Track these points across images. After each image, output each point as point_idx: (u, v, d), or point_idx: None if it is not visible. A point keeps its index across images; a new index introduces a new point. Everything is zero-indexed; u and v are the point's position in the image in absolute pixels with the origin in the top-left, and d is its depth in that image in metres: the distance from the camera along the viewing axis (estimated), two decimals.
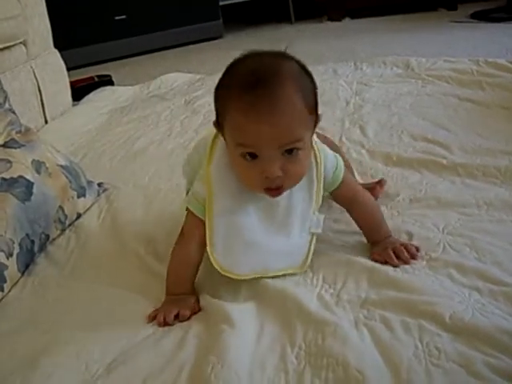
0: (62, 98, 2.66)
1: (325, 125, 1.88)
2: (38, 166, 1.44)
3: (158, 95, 2.60)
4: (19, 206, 1.31)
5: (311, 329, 0.96)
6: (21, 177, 1.36)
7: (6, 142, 1.44)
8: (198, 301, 1.10)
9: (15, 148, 1.44)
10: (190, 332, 1.02)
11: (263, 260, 1.12)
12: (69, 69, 2.79)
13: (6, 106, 1.55)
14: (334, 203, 1.27)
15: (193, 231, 1.13)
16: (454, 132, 1.69)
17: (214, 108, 1.07)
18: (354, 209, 1.21)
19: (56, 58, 2.67)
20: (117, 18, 4.00)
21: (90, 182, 1.60)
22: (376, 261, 1.12)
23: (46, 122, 2.48)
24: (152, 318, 1.07)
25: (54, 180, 1.46)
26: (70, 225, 1.48)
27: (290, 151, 1.00)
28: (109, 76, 3.17)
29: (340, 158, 1.19)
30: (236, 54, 1.04)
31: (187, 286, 1.13)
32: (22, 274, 1.29)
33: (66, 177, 1.50)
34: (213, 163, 1.11)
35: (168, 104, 2.41)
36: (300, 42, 3.84)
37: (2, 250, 1.22)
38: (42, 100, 2.47)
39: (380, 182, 1.42)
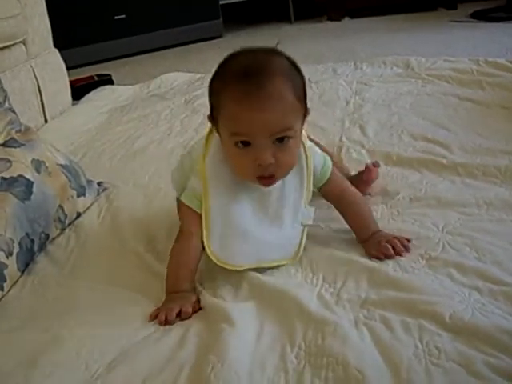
0: (62, 97, 2.66)
1: (325, 124, 1.89)
2: (38, 165, 1.44)
3: (158, 94, 2.60)
4: (19, 206, 1.31)
5: (311, 328, 0.96)
6: (20, 176, 1.36)
7: (5, 142, 1.44)
8: (198, 300, 1.10)
9: (15, 147, 1.44)
10: (189, 331, 1.02)
11: (257, 251, 1.15)
12: (68, 68, 2.79)
13: (6, 105, 1.55)
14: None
15: (192, 226, 1.16)
16: (454, 132, 1.69)
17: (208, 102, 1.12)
18: (343, 205, 1.25)
19: (56, 58, 2.67)
20: (116, 17, 4.00)
21: (89, 182, 1.60)
22: (373, 256, 1.14)
23: (46, 121, 2.48)
24: (154, 317, 1.07)
25: (54, 179, 1.45)
26: (69, 224, 1.48)
27: (280, 140, 1.05)
28: (109, 75, 3.17)
29: (328, 158, 1.24)
30: None
31: (188, 283, 1.13)
32: (22, 273, 1.29)
33: (66, 176, 1.49)
34: (208, 158, 1.15)
35: (168, 103, 2.41)
36: (300, 41, 3.84)
37: (2, 249, 1.22)
38: (41, 99, 2.47)
39: (372, 164, 1.43)
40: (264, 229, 1.16)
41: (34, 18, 2.48)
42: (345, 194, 1.24)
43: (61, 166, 1.51)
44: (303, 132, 1.16)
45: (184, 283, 1.13)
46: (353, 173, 1.46)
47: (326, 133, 1.82)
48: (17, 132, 1.49)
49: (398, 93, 2.10)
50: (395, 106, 1.97)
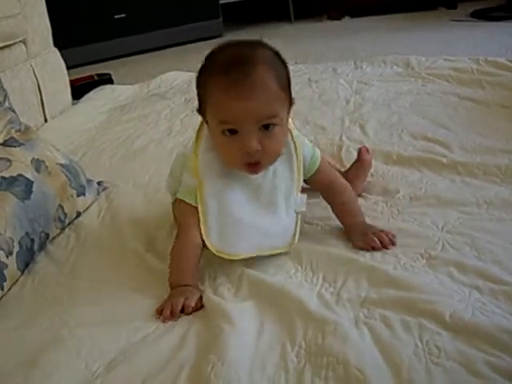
0: (62, 96, 2.66)
1: (325, 123, 1.89)
2: (38, 164, 1.44)
3: (158, 94, 2.60)
4: (19, 205, 1.31)
5: (311, 327, 0.96)
6: (20, 175, 1.36)
7: (5, 141, 1.44)
8: (201, 298, 1.10)
9: (15, 147, 1.44)
10: (189, 331, 1.02)
11: (255, 238, 1.18)
12: (68, 67, 2.79)
13: (6, 104, 1.55)
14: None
15: (190, 219, 1.18)
16: (454, 131, 1.69)
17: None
18: (330, 194, 1.28)
19: (56, 57, 2.67)
20: (116, 16, 4.00)
21: (89, 181, 1.60)
22: (359, 247, 1.17)
23: (46, 120, 2.47)
24: (160, 312, 1.07)
25: (54, 179, 1.45)
26: (69, 223, 1.48)
27: (266, 127, 1.09)
28: (108, 75, 3.17)
29: (317, 149, 1.28)
30: None
31: (191, 277, 1.14)
32: (22, 272, 1.29)
33: (66, 175, 1.49)
34: (199, 152, 1.19)
35: (168, 103, 2.41)
36: (300, 40, 3.84)
37: (2, 249, 1.22)
38: (41, 99, 2.47)
39: (361, 150, 1.47)
40: (259, 216, 1.19)
41: (33, 17, 2.48)
42: (333, 184, 1.27)
43: (61, 165, 1.50)
44: (290, 121, 1.20)
45: (187, 277, 1.13)
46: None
47: (326, 132, 1.82)
48: (17, 131, 1.49)
49: (398, 92, 2.10)
50: (395, 105, 1.97)
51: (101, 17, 3.94)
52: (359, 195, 1.39)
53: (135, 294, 1.15)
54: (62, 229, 1.46)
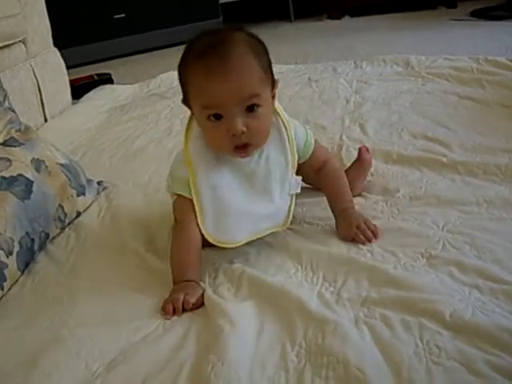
0: (62, 96, 2.66)
1: (325, 123, 1.89)
2: (38, 164, 1.44)
3: (158, 94, 2.60)
4: (19, 205, 1.31)
5: (311, 327, 0.96)
6: (20, 175, 1.36)
7: (5, 141, 1.44)
8: (203, 295, 1.10)
9: (15, 146, 1.44)
10: (189, 330, 1.01)
11: (250, 223, 1.20)
12: (68, 67, 2.79)
13: (6, 104, 1.55)
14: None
15: (187, 212, 1.18)
16: (454, 130, 1.69)
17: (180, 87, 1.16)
18: (322, 174, 1.30)
19: (55, 57, 2.67)
20: (116, 16, 4.00)
21: (89, 181, 1.60)
22: (342, 236, 1.21)
23: (46, 120, 2.48)
24: (163, 309, 1.07)
25: (54, 178, 1.45)
26: (69, 223, 1.48)
27: (250, 108, 1.08)
28: (108, 74, 3.17)
29: (311, 133, 1.29)
30: None
31: (192, 271, 1.14)
32: (22, 272, 1.29)
33: (66, 175, 1.49)
34: (190, 144, 1.19)
35: (168, 102, 2.41)
36: (300, 40, 3.84)
37: (2, 249, 1.22)
38: (41, 98, 2.47)
39: (361, 149, 1.47)
40: (253, 203, 1.20)
41: (33, 17, 2.48)
42: (327, 164, 1.30)
43: (61, 165, 1.50)
44: (277, 103, 1.20)
45: (189, 272, 1.14)
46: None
47: (326, 131, 1.82)
48: (17, 131, 1.49)
49: (397, 91, 2.10)
50: (395, 105, 1.97)
51: (100, 16, 3.94)
52: (359, 194, 1.39)
53: (135, 293, 1.15)
54: (62, 228, 1.46)
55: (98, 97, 2.69)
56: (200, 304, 1.08)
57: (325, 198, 1.29)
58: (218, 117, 1.08)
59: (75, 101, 2.72)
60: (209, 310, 1.06)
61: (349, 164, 1.50)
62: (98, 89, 2.81)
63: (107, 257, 1.31)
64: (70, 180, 1.50)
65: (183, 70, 1.13)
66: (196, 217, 1.17)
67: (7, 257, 1.23)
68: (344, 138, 1.75)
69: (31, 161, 1.43)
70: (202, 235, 1.17)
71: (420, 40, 3.37)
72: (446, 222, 1.21)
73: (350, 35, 3.82)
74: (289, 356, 0.91)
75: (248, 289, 1.10)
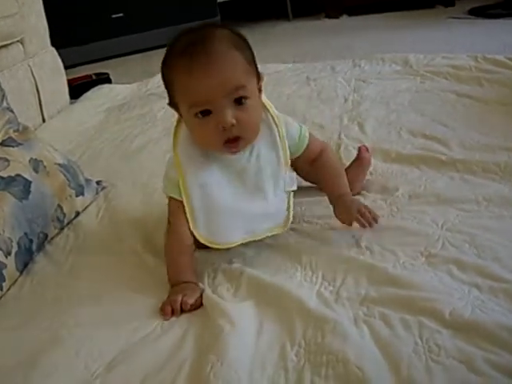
0: (60, 96, 2.66)
1: (323, 122, 1.89)
2: (36, 164, 1.43)
3: (156, 93, 2.59)
4: (17, 205, 1.31)
5: (311, 326, 0.96)
6: (18, 175, 1.36)
7: (3, 141, 1.44)
8: (201, 295, 1.10)
9: (13, 147, 1.43)
10: (189, 331, 1.01)
11: (245, 224, 1.18)
12: (66, 67, 2.79)
13: (4, 104, 1.55)
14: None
15: (178, 214, 1.17)
16: (453, 128, 1.69)
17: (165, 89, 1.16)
18: (317, 166, 1.29)
19: (53, 57, 2.67)
20: (114, 16, 4.00)
21: (88, 181, 1.59)
22: (342, 220, 1.22)
23: (44, 120, 2.47)
24: (163, 311, 1.07)
25: (52, 179, 1.45)
26: (68, 223, 1.48)
27: (238, 100, 1.07)
28: (106, 74, 3.17)
29: (305, 128, 1.27)
30: None
31: (189, 272, 1.14)
32: (21, 272, 1.28)
33: (64, 175, 1.49)
34: (178, 145, 1.18)
35: (166, 102, 2.40)
36: (298, 39, 3.83)
37: (1, 249, 1.22)
38: (39, 98, 2.46)
39: (361, 149, 1.47)
40: (245, 201, 1.18)
41: (31, 16, 2.48)
42: (322, 154, 1.28)
43: (59, 165, 1.50)
44: (267, 101, 1.19)
45: (185, 273, 1.14)
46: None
47: (324, 130, 1.82)
48: (15, 131, 1.49)
49: (396, 90, 2.10)
50: (394, 103, 1.97)
51: (98, 16, 3.94)
52: (358, 193, 1.39)
53: (134, 294, 1.15)
54: (61, 229, 1.45)
55: (96, 96, 2.68)
56: (198, 305, 1.08)
57: (325, 198, 1.28)
58: (206, 113, 1.07)
59: (73, 100, 2.72)
60: (208, 310, 1.06)
61: (347, 163, 1.50)
62: (96, 88, 2.80)
63: (106, 257, 1.31)
64: (68, 180, 1.49)
65: (166, 69, 1.13)
66: (187, 218, 1.16)
67: (6, 257, 1.23)
68: (342, 136, 1.75)
69: (29, 161, 1.42)
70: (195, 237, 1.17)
71: (418, 38, 3.37)
72: (445, 221, 1.21)
73: (348, 34, 3.82)
74: (288, 355, 0.91)
75: (247, 289, 1.10)
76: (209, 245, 1.17)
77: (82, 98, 2.70)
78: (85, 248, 1.38)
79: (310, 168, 1.30)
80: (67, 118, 2.44)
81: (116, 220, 1.47)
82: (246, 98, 1.08)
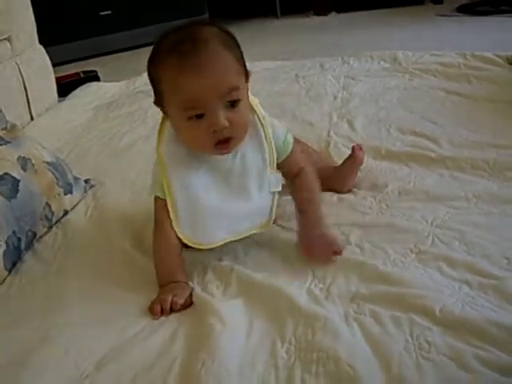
0: (48, 94, 2.65)
1: (312, 119, 1.89)
2: (24, 162, 1.42)
3: (144, 91, 2.57)
4: (5, 204, 1.30)
5: (301, 324, 0.96)
6: (6, 174, 1.35)
7: None
8: (191, 294, 1.09)
9: (1, 145, 1.42)
10: (179, 329, 1.01)
11: (229, 224, 1.17)
12: (54, 65, 2.77)
13: None
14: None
15: (164, 215, 1.16)
16: (442, 125, 1.69)
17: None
18: (296, 181, 1.23)
19: (41, 54, 2.65)
20: (102, 13, 3.99)
21: (76, 179, 1.59)
22: (305, 255, 1.14)
23: (32, 118, 2.46)
24: (151, 310, 1.06)
25: (41, 177, 1.44)
26: (56, 222, 1.47)
27: (232, 104, 1.06)
28: (95, 72, 3.16)
29: (290, 134, 1.24)
30: None
31: (178, 272, 1.14)
32: (9, 272, 1.28)
33: (53, 173, 1.48)
34: (162, 145, 1.16)
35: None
36: (286, 36, 3.83)
37: None
38: (27, 96, 2.45)
39: (354, 147, 1.44)
40: (230, 202, 1.16)
41: (18, 14, 2.46)
42: (303, 172, 1.23)
43: (47, 163, 1.49)
44: (253, 98, 1.17)
45: (174, 272, 1.13)
46: None
47: (313, 128, 1.82)
48: (2, 129, 1.48)
49: (385, 87, 2.10)
50: (383, 101, 1.97)
51: (86, 13, 3.93)
52: (349, 190, 1.39)
53: (123, 292, 1.14)
54: (49, 227, 1.44)
55: (85, 94, 2.67)
56: (188, 305, 1.07)
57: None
58: (199, 116, 1.05)
59: (61, 98, 2.71)
60: (198, 308, 1.05)
61: (337, 160, 1.50)
62: (84, 86, 2.79)
63: (94, 255, 1.31)
64: (56, 178, 1.49)
65: (153, 68, 1.10)
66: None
67: None
68: (332, 134, 1.75)
69: (17, 159, 1.41)
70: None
71: (407, 36, 3.38)
72: (434, 218, 1.21)
73: (337, 31, 3.83)
74: (279, 353, 0.91)
75: (237, 286, 1.10)
76: (191, 245, 1.17)
77: (70, 95, 2.69)
78: (73, 246, 1.37)
79: (292, 183, 1.24)
80: (55, 115, 2.43)
81: (105, 218, 1.46)
82: (238, 100, 1.06)
